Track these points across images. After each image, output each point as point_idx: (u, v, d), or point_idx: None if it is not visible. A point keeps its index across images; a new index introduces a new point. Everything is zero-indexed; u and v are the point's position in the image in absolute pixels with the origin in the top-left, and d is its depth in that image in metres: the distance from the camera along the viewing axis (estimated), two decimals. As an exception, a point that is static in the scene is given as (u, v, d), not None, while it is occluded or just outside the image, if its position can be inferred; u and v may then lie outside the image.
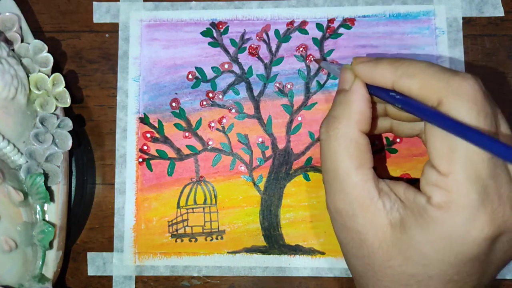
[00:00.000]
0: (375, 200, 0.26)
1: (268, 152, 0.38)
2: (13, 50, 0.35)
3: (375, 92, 0.28)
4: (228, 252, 0.37)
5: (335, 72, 0.34)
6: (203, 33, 0.39)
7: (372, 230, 0.26)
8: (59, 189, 0.35)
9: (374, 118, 0.31)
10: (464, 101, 0.24)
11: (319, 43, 0.38)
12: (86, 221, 0.38)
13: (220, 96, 0.38)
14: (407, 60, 0.26)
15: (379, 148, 0.37)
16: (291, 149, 0.38)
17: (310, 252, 0.37)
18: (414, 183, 0.37)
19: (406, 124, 0.32)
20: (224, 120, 0.38)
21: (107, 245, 0.38)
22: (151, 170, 0.38)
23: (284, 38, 0.39)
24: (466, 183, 0.24)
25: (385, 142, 0.37)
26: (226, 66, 0.39)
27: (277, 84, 0.38)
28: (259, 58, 0.39)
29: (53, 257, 0.35)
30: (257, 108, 0.38)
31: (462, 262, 0.25)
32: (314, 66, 0.38)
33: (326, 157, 0.28)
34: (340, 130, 0.27)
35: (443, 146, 0.24)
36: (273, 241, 0.37)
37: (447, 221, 0.24)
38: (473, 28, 0.38)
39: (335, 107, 0.28)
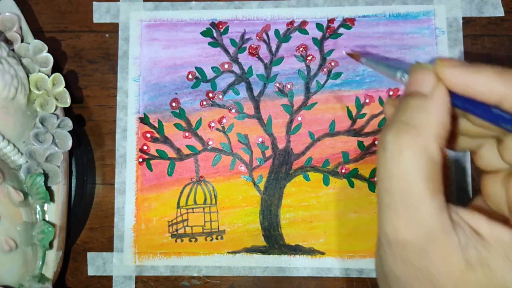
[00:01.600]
0: (449, 234, 0.21)
1: (268, 152, 0.38)
2: (13, 50, 0.35)
3: (464, 105, 0.22)
4: (228, 252, 0.37)
5: (384, 70, 0.28)
6: (203, 33, 0.39)
7: (445, 270, 0.21)
8: (59, 189, 0.35)
9: (455, 135, 0.26)
10: None
11: (319, 43, 0.38)
12: (86, 221, 0.38)
13: (220, 96, 0.38)
14: None
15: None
16: (291, 149, 0.38)
17: (310, 252, 0.37)
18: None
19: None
20: (224, 120, 0.38)
21: (107, 245, 0.38)
22: (151, 170, 0.38)
23: (284, 38, 0.39)
24: None
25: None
26: (226, 66, 0.39)
27: (277, 84, 0.38)
28: (259, 58, 0.39)
29: (53, 257, 0.35)
30: (257, 108, 0.38)
31: None
32: (314, 66, 0.38)
33: (393, 174, 0.22)
34: (418, 144, 0.21)
35: None
36: (273, 241, 0.37)
37: None
38: (473, 28, 0.38)
39: (409, 113, 0.22)
